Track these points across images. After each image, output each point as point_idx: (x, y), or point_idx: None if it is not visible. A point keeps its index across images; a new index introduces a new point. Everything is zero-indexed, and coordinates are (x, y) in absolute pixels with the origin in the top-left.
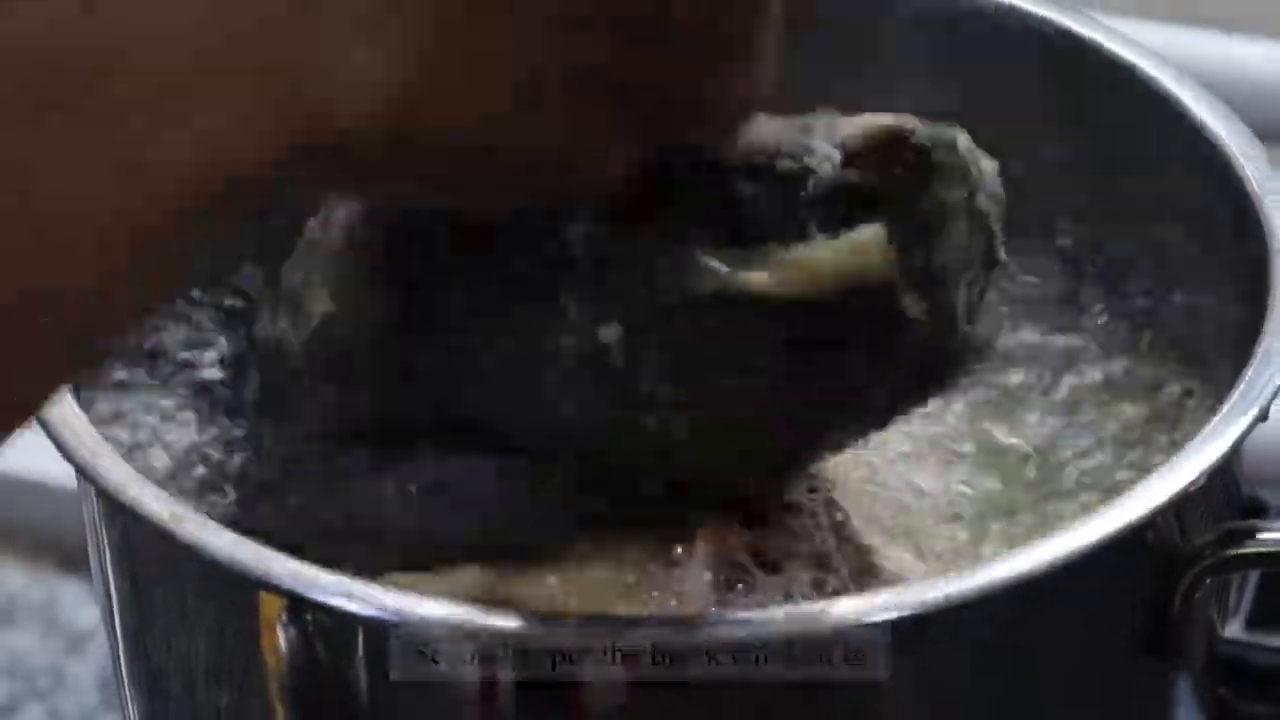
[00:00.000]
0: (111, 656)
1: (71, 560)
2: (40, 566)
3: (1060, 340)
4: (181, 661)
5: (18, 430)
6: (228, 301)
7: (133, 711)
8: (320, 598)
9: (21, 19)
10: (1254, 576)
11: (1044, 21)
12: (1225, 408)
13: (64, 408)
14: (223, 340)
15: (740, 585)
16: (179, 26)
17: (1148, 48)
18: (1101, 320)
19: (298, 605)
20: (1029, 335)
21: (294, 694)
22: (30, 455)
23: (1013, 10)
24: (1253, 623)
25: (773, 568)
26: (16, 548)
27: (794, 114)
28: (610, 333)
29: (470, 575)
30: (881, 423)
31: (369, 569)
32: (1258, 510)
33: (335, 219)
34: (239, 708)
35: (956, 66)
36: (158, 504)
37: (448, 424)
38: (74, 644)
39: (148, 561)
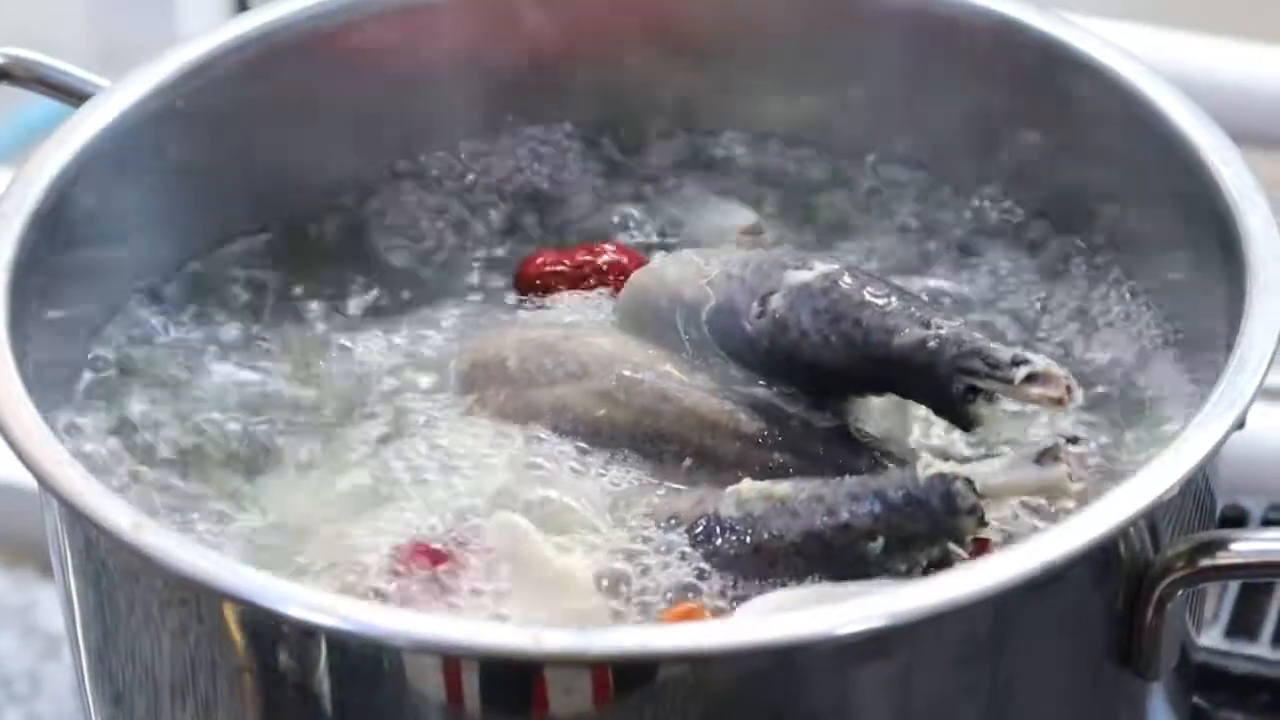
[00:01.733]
0: (74, 666)
1: (51, 565)
2: (19, 571)
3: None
4: (145, 672)
5: None
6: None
7: None
8: (283, 609)
9: None
10: (1233, 585)
11: (1019, 23)
12: (1198, 417)
13: (25, 417)
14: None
15: None
16: None
17: (1124, 49)
18: (1072, 324)
19: (261, 616)
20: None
21: (258, 705)
22: (7, 460)
23: (988, 11)
24: (1232, 631)
25: None
26: None
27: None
28: None
29: None
30: None
31: None
32: (1238, 519)
33: None
34: (203, 717)
35: (930, 67)
36: (119, 514)
37: None
38: (52, 648)
39: (110, 572)
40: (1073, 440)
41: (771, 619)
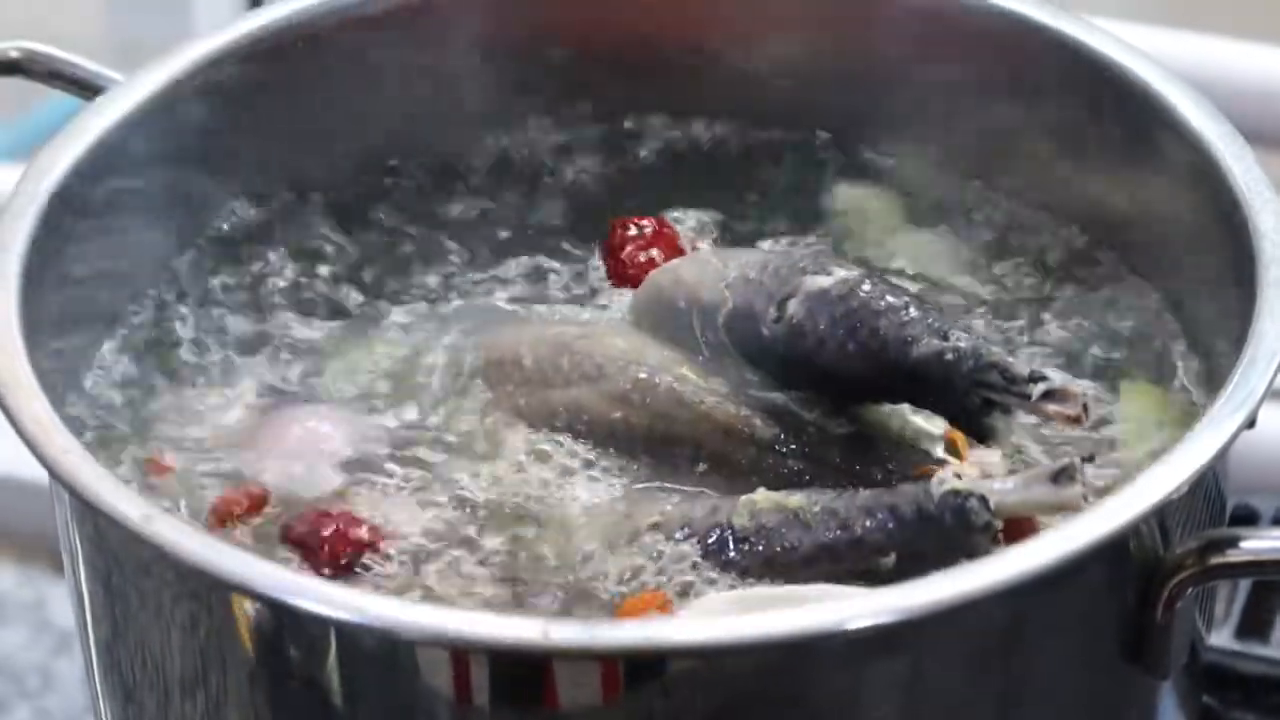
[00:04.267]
0: (84, 659)
1: (62, 560)
2: (30, 566)
3: (1040, 337)
4: (156, 666)
5: None
6: None
7: (106, 716)
8: (293, 601)
9: None
10: (1244, 585)
11: (1034, 23)
12: (1208, 415)
13: (37, 408)
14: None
15: None
16: None
17: (1137, 49)
18: (1079, 321)
19: (271, 608)
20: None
21: (268, 698)
22: (19, 455)
23: (1004, 11)
24: (1242, 631)
25: None
26: (7, 547)
27: None
28: None
29: None
30: None
31: None
32: (1248, 518)
33: None
34: (214, 711)
35: (946, 66)
36: (129, 504)
37: None
38: (63, 644)
39: (120, 564)
40: (1088, 459)
41: (783, 613)
